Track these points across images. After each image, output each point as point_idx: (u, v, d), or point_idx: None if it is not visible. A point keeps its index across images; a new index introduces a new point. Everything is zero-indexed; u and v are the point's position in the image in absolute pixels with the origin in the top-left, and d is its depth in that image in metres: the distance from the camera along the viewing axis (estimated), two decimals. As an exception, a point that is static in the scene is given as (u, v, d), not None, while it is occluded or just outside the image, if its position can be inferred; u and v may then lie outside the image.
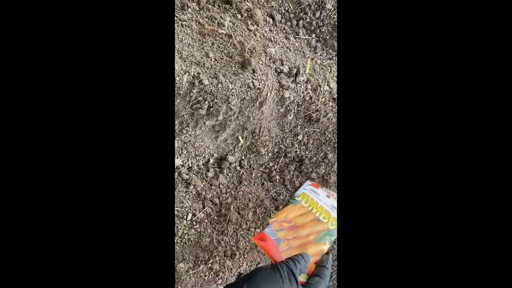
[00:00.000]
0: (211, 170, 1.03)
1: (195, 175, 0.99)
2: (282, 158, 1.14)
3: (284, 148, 1.11)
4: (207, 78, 0.71)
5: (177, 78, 0.68)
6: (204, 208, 0.94)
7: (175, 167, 0.94)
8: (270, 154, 1.12)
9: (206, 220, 0.92)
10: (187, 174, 0.97)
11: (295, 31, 1.07)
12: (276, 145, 1.11)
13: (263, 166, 1.15)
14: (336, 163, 1.16)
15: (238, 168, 1.09)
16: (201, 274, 0.82)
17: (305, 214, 0.65)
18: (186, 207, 0.91)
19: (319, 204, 0.66)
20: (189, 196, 0.94)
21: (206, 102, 0.75)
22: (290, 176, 1.17)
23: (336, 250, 0.95)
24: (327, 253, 0.58)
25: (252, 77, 0.77)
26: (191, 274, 0.80)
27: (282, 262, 0.53)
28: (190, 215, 0.90)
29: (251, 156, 1.09)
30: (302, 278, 0.54)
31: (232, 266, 0.88)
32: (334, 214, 0.63)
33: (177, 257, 0.81)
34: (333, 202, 0.67)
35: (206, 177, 1.01)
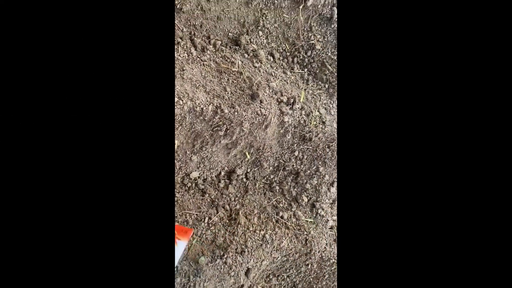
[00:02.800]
0: (222, 181, 1.22)
1: (209, 185, 1.17)
2: (281, 171, 1.34)
3: (283, 162, 1.32)
4: (226, 108, 0.92)
5: (204, 108, 0.88)
6: (218, 213, 1.11)
7: (193, 178, 1.13)
8: (271, 168, 1.32)
9: (219, 223, 1.10)
10: (202, 184, 1.15)
11: (291, 66, 1.30)
12: (276, 160, 1.31)
13: (265, 178, 1.35)
14: (326, 175, 1.37)
15: (244, 179, 1.28)
16: (218, 267, 0.99)
17: None
18: (203, 212, 1.08)
19: None
20: (205, 203, 1.12)
21: (225, 126, 0.95)
22: (288, 186, 1.37)
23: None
24: None
25: (260, 106, 0.99)
26: (210, 266, 0.97)
27: None
28: (206, 219, 1.07)
29: (255, 169, 1.29)
30: None
31: (242, 261, 1.05)
32: None
33: (198, 252, 0.97)
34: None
35: (218, 187, 1.20)
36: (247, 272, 1.08)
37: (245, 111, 0.95)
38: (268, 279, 1.39)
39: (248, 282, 1.15)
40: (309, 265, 1.37)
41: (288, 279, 1.44)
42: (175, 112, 0.86)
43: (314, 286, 1.44)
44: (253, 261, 1.09)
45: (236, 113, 0.93)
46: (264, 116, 1.00)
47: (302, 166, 1.35)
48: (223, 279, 1.00)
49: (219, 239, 1.05)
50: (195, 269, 0.93)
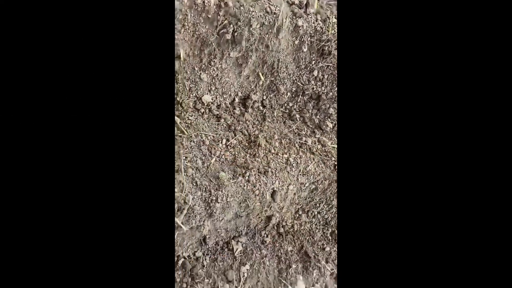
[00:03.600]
0: (237, 108, 1.13)
1: (224, 112, 1.10)
2: (300, 96, 1.23)
3: (302, 86, 1.21)
4: (231, 1, 0.82)
5: (206, 1, 0.79)
6: (236, 136, 1.04)
7: (206, 103, 1.05)
8: (289, 94, 1.22)
9: (238, 146, 1.02)
10: (217, 110, 1.08)
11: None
12: (294, 83, 1.20)
13: (283, 107, 1.25)
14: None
15: (261, 107, 1.19)
16: (241, 184, 0.91)
17: None
18: (219, 135, 1.01)
19: None
20: (221, 127, 1.04)
21: (231, 25, 0.86)
22: (309, 114, 1.26)
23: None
24: None
25: (268, 3, 0.88)
26: (232, 183, 0.90)
27: None
28: (224, 140, 1.00)
29: (271, 96, 1.19)
30: None
31: (266, 181, 0.97)
32: None
33: (218, 170, 0.90)
34: None
35: (234, 114, 1.11)
36: (273, 194, 1.00)
37: (252, 7, 0.84)
38: (297, 215, 1.30)
39: (276, 206, 1.06)
40: (341, 198, 1.26)
41: (319, 216, 1.34)
42: (175, 6, 0.78)
43: (348, 222, 1.33)
44: (278, 183, 1.01)
45: (242, 8, 0.83)
46: (274, 15, 0.89)
47: (323, 88, 1.23)
48: (247, 197, 0.93)
49: (240, 160, 0.97)
50: (216, 184, 0.86)
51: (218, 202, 0.84)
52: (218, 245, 1.11)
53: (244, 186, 0.92)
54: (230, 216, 0.98)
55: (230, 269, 1.07)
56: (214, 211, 0.85)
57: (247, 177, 0.93)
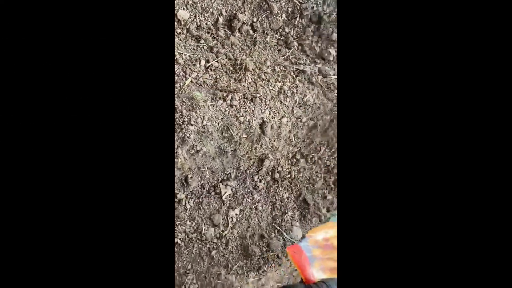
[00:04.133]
0: (222, 30, 0.96)
1: (206, 33, 0.93)
2: (297, 19, 1.03)
3: (299, 4, 1.01)
4: None
5: None
6: (218, 58, 0.87)
7: (182, 21, 0.88)
8: (284, 16, 1.02)
9: (221, 69, 0.86)
10: (196, 31, 0.91)
11: None
12: (290, 2, 1.00)
13: (278, 32, 1.06)
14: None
15: (251, 31, 1.01)
16: (221, 109, 0.76)
17: None
18: (198, 55, 0.85)
19: None
20: (201, 49, 0.88)
21: None
22: (309, 41, 1.07)
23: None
24: None
25: None
26: (210, 106, 0.75)
27: (315, 284, 0.51)
28: (203, 61, 0.84)
29: (263, 16, 1.00)
30: None
31: (254, 109, 0.82)
32: None
33: (193, 91, 0.75)
34: None
35: (218, 36, 0.94)
36: (262, 125, 0.85)
37: None
38: (294, 159, 1.16)
39: (267, 141, 0.92)
40: (345, 140, 1.10)
41: (320, 162, 1.20)
42: None
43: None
44: (269, 113, 0.85)
45: None
46: None
47: (325, 8, 1.03)
48: (230, 124, 0.78)
49: (222, 83, 0.82)
50: (189, 105, 0.72)
51: (192, 125, 0.70)
52: (204, 188, 1.00)
53: (225, 110, 0.77)
54: (213, 151, 0.84)
55: (216, 213, 0.96)
56: (187, 135, 0.71)
57: (229, 101, 0.78)
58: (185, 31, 0.89)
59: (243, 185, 1.06)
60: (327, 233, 0.62)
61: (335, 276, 0.51)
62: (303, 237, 0.59)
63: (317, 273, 0.55)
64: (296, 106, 0.92)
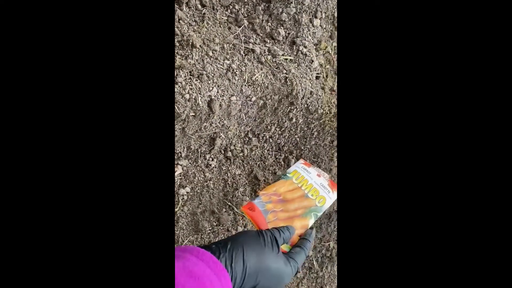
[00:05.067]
0: (168, 3, 0.92)
1: (149, 5, 0.88)
2: (247, -4, 1.03)
3: (248, -19, 1.00)
4: None
5: None
6: (163, 33, 0.84)
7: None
8: (233, -8, 1.01)
9: (166, 45, 0.83)
10: (138, 2, 0.85)
11: None
12: (239, -23, 0.99)
13: (228, 9, 1.05)
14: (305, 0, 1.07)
15: (199, 6, 0.98)
16: (165, 86, 0.75)
17: (294, 189, 0.67)
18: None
19: (309, 181, 0.67)
20: (144, 22, 0.83)
21: None
22: (259, 20, 1.08)
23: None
24: (311, 228, 0.61)
25: None
26: (153, 82, 0.73)
27: (267, 229, 0.54)
28: (146, 35, 0.80)
29: (212, -8, 0.97)
30: (285, 248, 0.57)
31: (201, 86, 0.82)
32: (322, 192, 0.65)
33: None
34: (323, 181, 0.68)
35: (163, 9, 0.90)
36: (210, 103, 0.86)
37: None
38: (247, 138, 1.20)
39: (216, 120, 0.93)
40: (293, 119, 1.16)
41: (271, 140, 1.25)
42: None
43: (302, 147, 1.26)
44: (217, 91, 0.86)
45: None
46: None
47: (274, -14, 1.03)
48: (175, 101, 0.77)
49: (166, 59, 0.79)
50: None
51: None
52: (153, 168, 0.99)
53: (170, 87, 0.76)
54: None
55: (166, 192, 0.97)
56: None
57: (174, 77, 0.76)
58: (126, 1, 0.84)
59: (194, 164, 1.07)
60: (278, 189, 0.67)
61: (290, 224, 0.59)
62: (256, 195, 0.66)
63: (271, 224, 0.61)
64: (245, 85, 0.94)
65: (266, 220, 0.62)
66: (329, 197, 0.64)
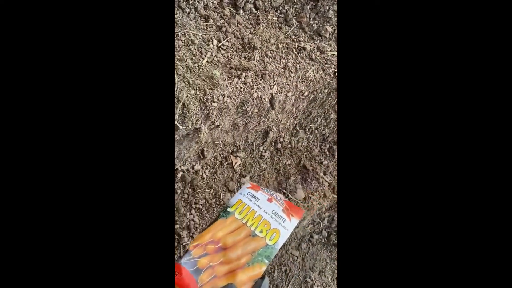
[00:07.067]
0: (227, 9, 1.00)
1: (213, 12, 0.96)
2: (296, -4, 1.09)
3: (298, -18, 1.06)
4: None
5: None
6: (227, 37, 0.93)
7: (191, 1, 0.91)
8: (284, -7, 1.07)
9: (231, 49, 0.92)
10: (204, 10, 0.94)
11: None
12: (290, -21, 1.05)
13: (278, 10, 1.12)
14: None
15: (253, 9, 1.06)
16: (237, 86, 0.84)
17: (237, 229, 0.50)
18: (209, 35, 0.90)
19: (257, 213, 0.52)
20: (210, 29, 0.93)
21: None
22: (307, 18, 1.14)
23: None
24: (262, 277, 0.46)
25: None
26: (227, 84, 0.82)
27: None
28: (215, 41, 0.89)
29: (265, -5, 1.05)
30: None
31: (264, 85, 0.90)
32: (274, 224, 0.50)
33: (211, 70, 0.82)
34: (275, 207, 0.52)
35: (223, 15, 0.98)
36: (271, 100, 0.94)
37: None
38: (294, 130, 1.28)
39: (273, 115, 1.02)
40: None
41: (316, 132, 1.33)
42: None
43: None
44: (277, 88, 0.94)
45: None
46: None
47: (322, -14, 1.09)
48: (245, 100, 0.86)
49: (234, 62, 0.88)
50: (210, 84, 0.79)
51: (215, 102, 0.78)
52: (216, 160, 1.09)
53: (241, 88, 0.85)
54: (228, 124, 0.93)
55: (230, 181, 1.07)
56: (211, 111, 0.79)
57: (243, 79, 0.85)
58: (193, 10, 0.93)
59: (250, 155, 1.17)
60: (215, 234, 0.50)
61: (232, 281, 0.45)
62: (186, 251, 0.48)
63: (207, 286, 0.45)
64: (300, 81, 1.01)
65: (198, 284, 0.45)
66: (285, 228, 0.49)
